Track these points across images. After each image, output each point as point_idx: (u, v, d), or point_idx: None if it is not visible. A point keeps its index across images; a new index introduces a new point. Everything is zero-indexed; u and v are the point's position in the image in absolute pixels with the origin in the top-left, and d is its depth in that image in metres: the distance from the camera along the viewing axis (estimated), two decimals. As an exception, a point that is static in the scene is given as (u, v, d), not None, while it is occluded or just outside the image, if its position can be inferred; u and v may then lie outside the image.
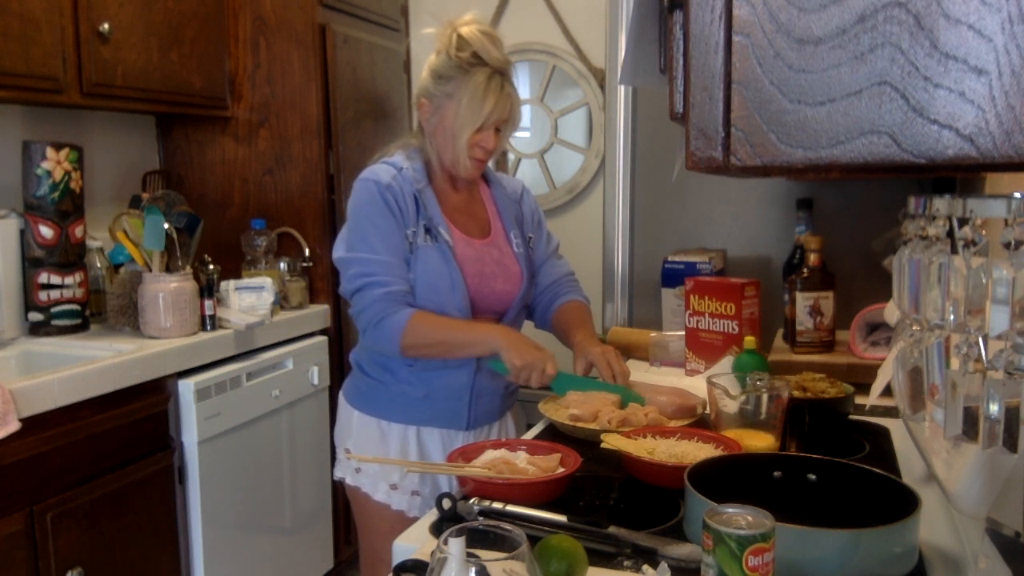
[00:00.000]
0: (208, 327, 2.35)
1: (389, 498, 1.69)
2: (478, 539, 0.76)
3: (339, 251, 1.67)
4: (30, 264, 2.23)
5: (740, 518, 0.81)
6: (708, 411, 1.45)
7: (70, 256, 2.28)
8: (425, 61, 1.69)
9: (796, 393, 1.46)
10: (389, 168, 1.66)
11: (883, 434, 1.51)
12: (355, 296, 1.63)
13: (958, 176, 1.75)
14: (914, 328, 0.82)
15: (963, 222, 0.70)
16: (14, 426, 1.71)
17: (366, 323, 1.61)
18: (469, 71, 1.59)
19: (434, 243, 1.63)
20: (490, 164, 1.80)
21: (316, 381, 2.72)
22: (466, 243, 1.68)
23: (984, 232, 0.69)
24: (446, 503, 1.15)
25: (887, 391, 1.26)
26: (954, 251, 0.71)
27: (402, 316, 1.58)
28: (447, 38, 1.62)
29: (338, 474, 1.77)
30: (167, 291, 2.24)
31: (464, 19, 1.62)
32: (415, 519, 1.23)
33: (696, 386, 1.65)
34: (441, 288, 1.62)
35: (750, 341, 1.68)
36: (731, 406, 1.35)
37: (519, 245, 1.76)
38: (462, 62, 1.60)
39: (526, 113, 3.67)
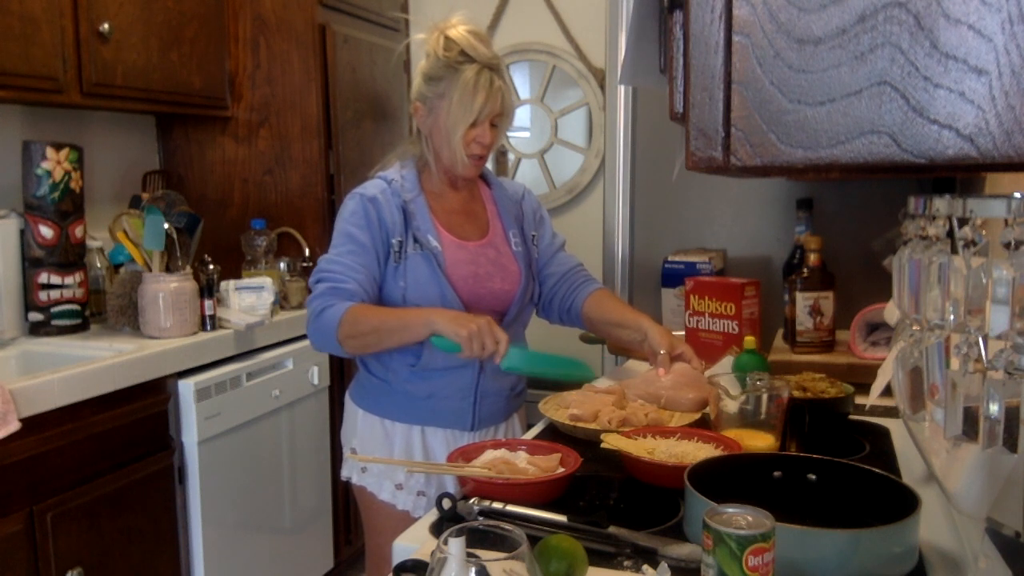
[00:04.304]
0: (208, 327, 2.35)
1: (394, 498, 1.69)
2: (478, 539, 0.76)
3: None
4: (30, 264, 2.23)
5: (740, 518, 0.81)
6: (708, 410, 1.45)
7: (70, 256, 2.28)
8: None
9: (796, 393, 1.46)
10: (379, 183, 1.70)
11: (883, 434, 1.51)
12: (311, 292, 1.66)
13: (958, 176, 1.75)
14: (914, 328, 0.82)
15: (963, 222, 0.70)
16: (14, 426, 1.71)
17: (309, 315, 1.62)
18: (458, 69, 1.62)
19: (422, 251, 1.65)
20: (490, 167, 1.81)
21: (316, 381, 2.72)
22: (458, 247, 1.69)
23: (984, 232, 0.69)
24: (446, 503, 1.15)
25: (887, 391, 1.26)
26: (954, 251, 0.71)
27: (340, 308, 1.57)
28: (435, 40, 1.64)
29: (345, 473, 1.78)
30: (167, 291, 2.24)
31: (450, 21, 1.65)
32: (420, 519, 1.23)
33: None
34: (431, 294, 1.63)
35: (750, 341, 1.68)
36: (731, 406, 1.35)
37: (518, 244, 1.77)
38: (450, 61, 1.62)
39: (526, 113, 3.67)
